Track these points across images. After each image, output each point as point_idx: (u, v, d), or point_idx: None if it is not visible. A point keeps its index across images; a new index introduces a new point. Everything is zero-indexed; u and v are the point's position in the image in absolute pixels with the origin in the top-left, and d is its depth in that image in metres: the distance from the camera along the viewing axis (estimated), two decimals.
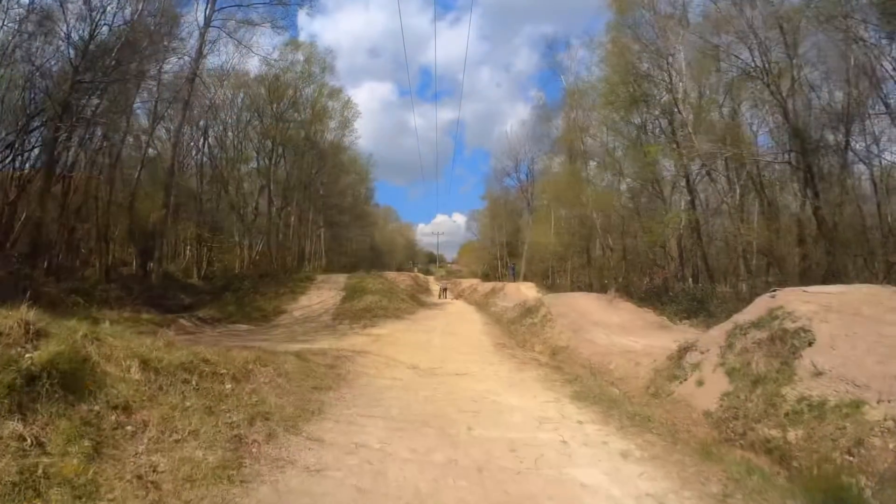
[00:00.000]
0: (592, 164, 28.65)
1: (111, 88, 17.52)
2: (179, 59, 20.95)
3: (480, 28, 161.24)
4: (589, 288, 28.85)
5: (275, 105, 30.82)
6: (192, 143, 30.22)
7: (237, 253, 31.44)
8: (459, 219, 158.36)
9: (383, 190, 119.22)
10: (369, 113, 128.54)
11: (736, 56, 15.45)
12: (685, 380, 8.46)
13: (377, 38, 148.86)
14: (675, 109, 17.55)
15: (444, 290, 39.45)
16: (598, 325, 17.25)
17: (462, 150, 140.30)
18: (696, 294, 17.53)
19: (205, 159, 30.99)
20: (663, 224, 18.35)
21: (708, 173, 17.51)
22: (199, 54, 22.05)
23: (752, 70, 15.16)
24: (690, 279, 22.65)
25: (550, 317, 17.83)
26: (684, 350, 9.03)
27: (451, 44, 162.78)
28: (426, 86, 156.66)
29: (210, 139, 30.74)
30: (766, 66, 14.88)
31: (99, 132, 19.97)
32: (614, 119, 21.61)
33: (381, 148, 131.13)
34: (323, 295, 20.58)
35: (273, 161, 31.67)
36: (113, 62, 15.80)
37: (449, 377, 7.78)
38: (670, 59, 17.68)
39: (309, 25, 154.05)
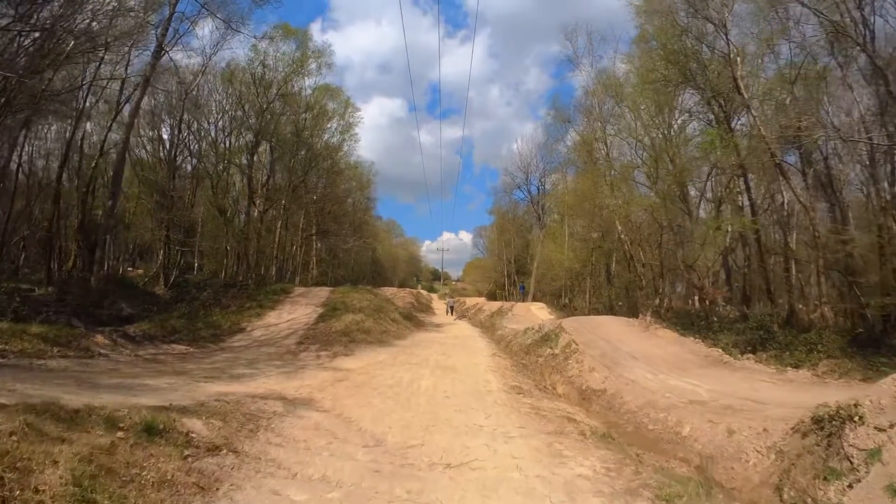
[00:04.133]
0: (615, 167, 25.05)
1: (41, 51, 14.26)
2: (139, 25, 17.64)
3: (490, 47, 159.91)
4: (610, 311, 25.16)
5: (261, 96, 27.63)
6: (168, 135, 27.09)
7: (223, 261, 27.99)
8: (466, 237, 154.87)
9: (391, 206, 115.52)
10: (378, 129, 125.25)
11: (819, 13, 11.91)
12: (858, 481, 4.81)
13: (388, 55, 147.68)
14: (736, 90, 14.00)
15: (452, 308, 37.10)
16: (637, 360, 13.48)
17: (470, 169, 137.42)
18: (763, 321, 13.80)
19: (185, 154, 27.85)
20: (723, 231, 14.72)
21: (778, 166, 13.84)
22: (168, 23, 18.82)
23: (841, 30, 11.63)
24: (736, 302, 18.94)
25: (576, 347, 14.08)
26: (840, 421, 5.35)
27: (462, 61, 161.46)
28: (437, 103, 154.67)
29: (191, 132, 27.60)
30: (865, 23, 11.39)
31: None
32: (651, 105, 18.13)
33: (390, 164, 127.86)
34: (296, 311, 16.95)
35: (254, 157, 28.39)
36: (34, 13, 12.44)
37: (430, 477, 4.13)
38: (726, 28, 14.25)
39: (320, 39, 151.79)
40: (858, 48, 12.29)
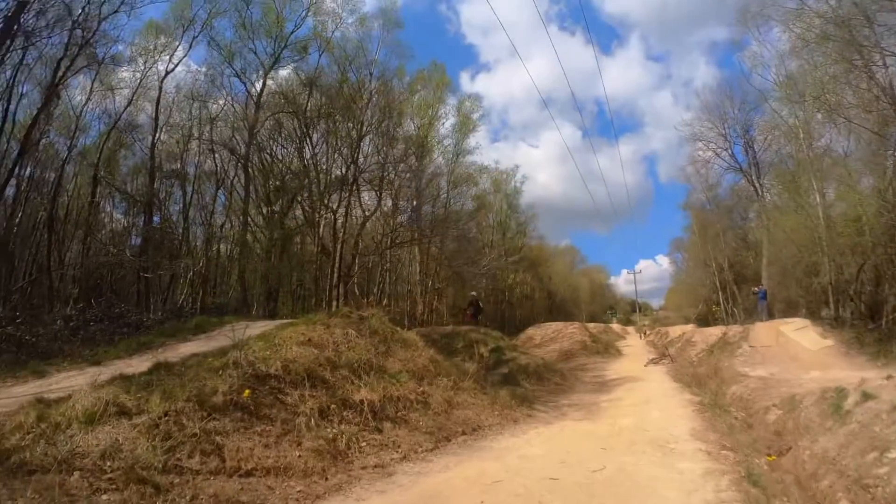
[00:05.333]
0: None
1: None
2: None
3: (647, 50, 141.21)
4: None
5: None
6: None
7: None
8: (664, 261, 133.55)
9: (582, 241, 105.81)
10: (552, 161, 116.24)
11: None
12: None
13: (546, 87, 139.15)
14: None
15: (644, 333, 37.55)
16: None
17: (658, 187, 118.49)
18: None
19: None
20: None
21: None
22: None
23: None
24: None
25: None
26: None
27: (620, 73, 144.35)
28: (608, 125, 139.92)
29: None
30: None
31: None
32: None
33: (573, 196, 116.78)
34: None
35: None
36: None
37: None
38: None
39: (470, 87, 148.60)
40: None
